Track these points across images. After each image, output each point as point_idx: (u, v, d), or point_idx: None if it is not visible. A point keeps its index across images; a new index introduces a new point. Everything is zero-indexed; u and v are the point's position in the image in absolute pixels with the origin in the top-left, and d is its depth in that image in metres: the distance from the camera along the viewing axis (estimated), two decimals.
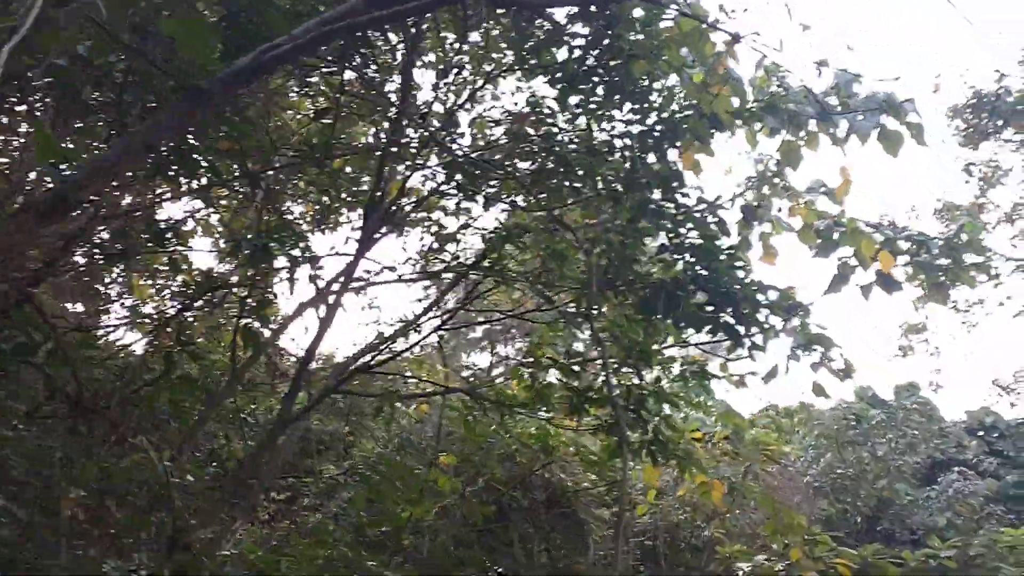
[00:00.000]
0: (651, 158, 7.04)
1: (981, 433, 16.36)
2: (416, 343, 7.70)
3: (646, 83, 6.88)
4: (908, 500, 12.02)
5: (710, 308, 6.71)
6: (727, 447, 12.42)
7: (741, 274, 6.81)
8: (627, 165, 6.98)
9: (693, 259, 6.66)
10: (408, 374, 9.00)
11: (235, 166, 6.17)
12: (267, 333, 10.53)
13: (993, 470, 14.72)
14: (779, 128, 8.77)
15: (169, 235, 6.56)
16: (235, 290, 8.67)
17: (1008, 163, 20.58)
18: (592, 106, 7.01)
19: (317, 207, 8.10)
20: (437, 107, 7.68)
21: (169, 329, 10.53)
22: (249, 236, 6.77)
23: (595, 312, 6.40)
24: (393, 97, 7.13)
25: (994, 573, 10.34)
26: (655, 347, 7.23)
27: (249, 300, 7.72)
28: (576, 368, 7.30)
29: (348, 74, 6.95)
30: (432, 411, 15.01)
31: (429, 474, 8.91)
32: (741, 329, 6.75)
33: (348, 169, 7.58)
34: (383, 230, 7.65)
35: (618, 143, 7.02)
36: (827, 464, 11.83)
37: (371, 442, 13.92)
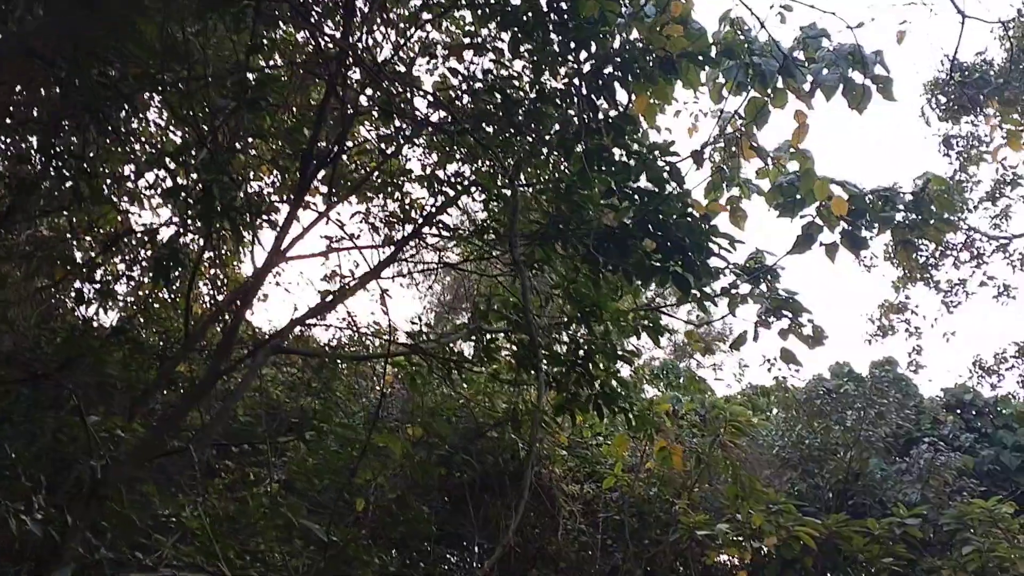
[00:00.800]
0: (603, 103, 6.77)
1: (959, 411, 16.18)
2: (355, 288, 7.36)
3: (596, 24, 6.59)
4: (880, 473, 11.79)
5: (659, 257, 6.43)
6: (695, 419, 12.20)
7: (692, 221, 6.51)
8: (576, 112, 6.71)
9: (642, 205, 6.37)
10: (347, 326, 8.64)
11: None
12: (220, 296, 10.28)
13: (969, 446, 14.54)
14: (745, 84, 8.51)
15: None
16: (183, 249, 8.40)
17: (990, 140, 20.43)
18: (545, 54, 6.74)
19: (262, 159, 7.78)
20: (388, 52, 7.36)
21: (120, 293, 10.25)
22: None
23: (522, 257, 6.07)
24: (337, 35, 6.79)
25: (962, 543, 10.14)
26: (617, 304, 7.01)
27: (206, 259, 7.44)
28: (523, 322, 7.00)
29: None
30: (398, 383, 14.77)
31: (378, 438, 8.63)
32: (691, 279, 6.46)
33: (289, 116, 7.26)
34: (325, 188, 7.36)
35: (569, 86, 6.74)
36: (796, 436, 11.61)
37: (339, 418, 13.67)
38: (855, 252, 9.02)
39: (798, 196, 8.64)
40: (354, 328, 8.60)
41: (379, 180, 7.33)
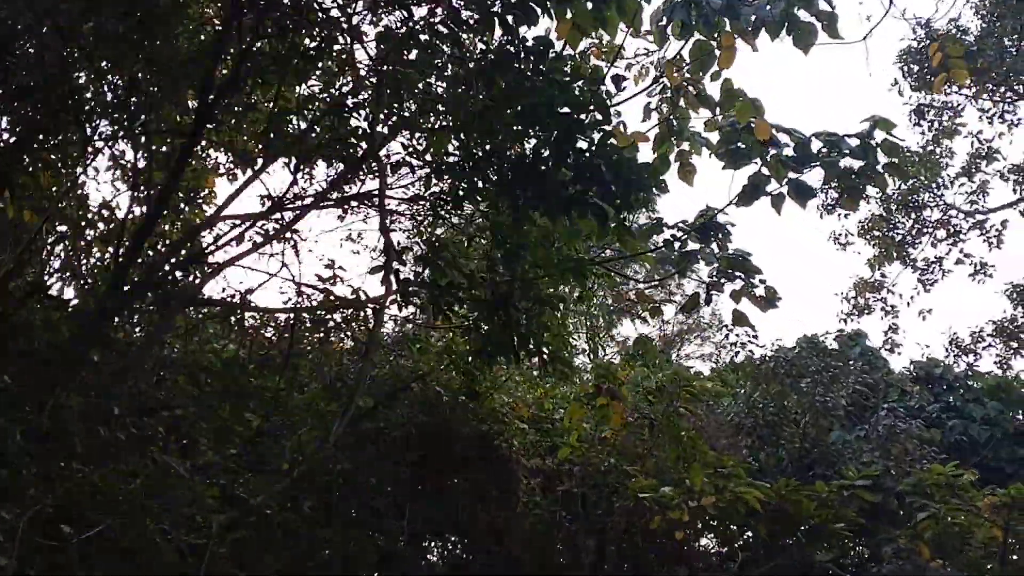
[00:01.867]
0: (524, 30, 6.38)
1: (928, 384, 15.90)
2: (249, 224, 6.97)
3: None
4: (841, 442, 11.45)
5: (577, 188, 6.06)
6: (650, 386, 11.85)
7: (612, 149, 6.13)
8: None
9: (558, 132, 5.99)
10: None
11: None
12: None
13: (936, 416, 14.25)
14: (690, 25, 8.13)
15: None
16: None
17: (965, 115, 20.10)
18: None
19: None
20: None
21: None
22: None
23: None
24: None
25: (919, 510, 9.82)
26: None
27: None
28: (440, 262, 6.63)
29: None
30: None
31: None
32: (609, 211, 6.08)
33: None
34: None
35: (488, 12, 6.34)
36: (751, 402, 11.26)
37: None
38: (801, 202, 8.66)
39: (740, 145, 8.33)
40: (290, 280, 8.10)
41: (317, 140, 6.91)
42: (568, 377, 8.88)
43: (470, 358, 6.75)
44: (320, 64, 6.50)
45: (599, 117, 6.14)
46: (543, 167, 5.98)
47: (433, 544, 13.63)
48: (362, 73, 6.64)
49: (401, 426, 13.60)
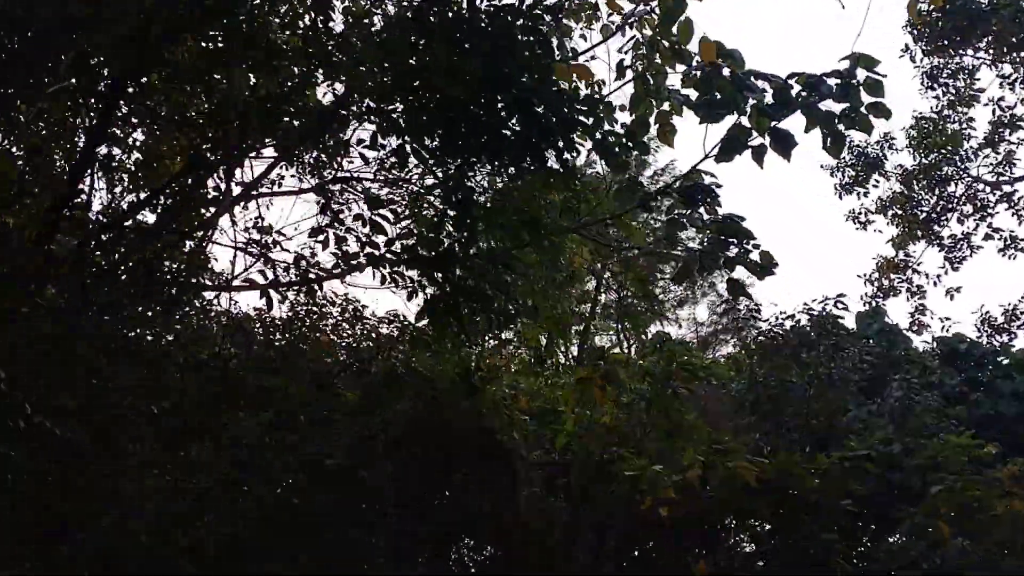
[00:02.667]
0: None
1: (954, 361, 15.12)
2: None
3: None
4: (853, 417, 10.77)
5: (515, 130, 5.60)
6: (647, 366, 11.32)
7: (550, 85, 5.66)
8: None
9: (492, 70, 5.54)
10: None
11: None
12: None
13: (959, 391, 13.49)
14: None
15: None
16: None
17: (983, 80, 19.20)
18: None
19: None
20: None
21: None
22: None
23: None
24: None
25: (934, 483, 9.15)
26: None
27: None
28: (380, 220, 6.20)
29: None
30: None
31: None
32: (550, 152, 5.62)
33: None
34: None
35: None
36: (751, 376, 10.64)
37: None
38: (784, 153, 8.12)
39: (717, 95, 7.83)
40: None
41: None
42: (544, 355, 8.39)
43: (418, 321, 6.29)
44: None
45: (539, 51, 5.67)
46: (481, 112, 5.53)
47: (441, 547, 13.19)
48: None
49: (400, 422, 13.28)
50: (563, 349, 11.14)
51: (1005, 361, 15.02)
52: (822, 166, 20.65)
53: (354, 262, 6.37)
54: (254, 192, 7.42)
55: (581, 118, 5.74)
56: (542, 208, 6.39)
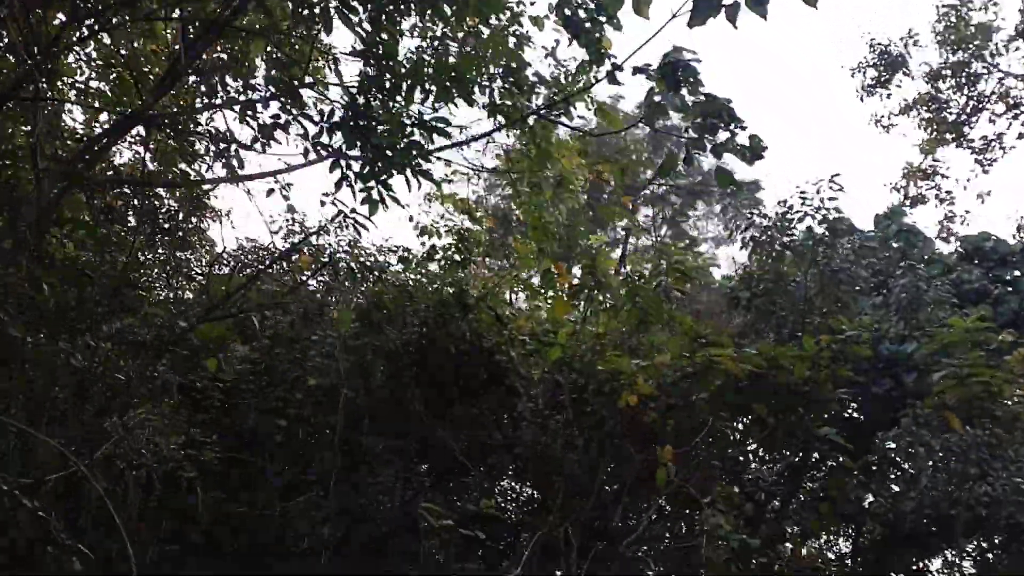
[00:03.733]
0: None
1: (977, 260, 14.27)
2: None
3: None
4: (857, 312, 10.12)
5: None
6: (642, 271, 10.81)
7: None
8: None
9: None
10: None
11: None
12: None
13: (980, 287, 12.70)
14: None
15: None
16: None
17: None
18: None
19: None
20: None
21: None
22: None
23: None
24: None
25: (932, 365, 8.57)
26: None
27: None
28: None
29: None
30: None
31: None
32: None
33: None
34: None
35: None
36: (745, 271, 10.03)
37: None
38: (760, 11, 7.50)
39: None
40: None
41: None
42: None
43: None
44: None
45: None
46: None
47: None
48: None
49: (401, 345, 13.04)
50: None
51: None
52: (842, 67, 19.72)
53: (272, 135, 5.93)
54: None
55: None
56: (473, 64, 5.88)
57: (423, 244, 12.72)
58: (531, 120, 8.14)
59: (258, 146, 6.13)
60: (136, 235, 9.21)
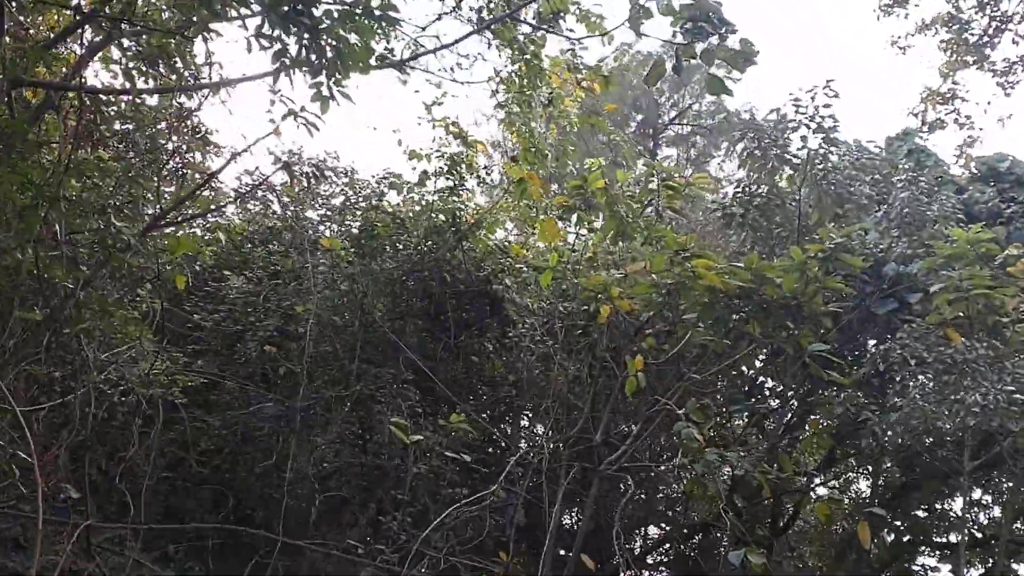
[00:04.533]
0: None
1: (992, 181, 13.71)
2: None
3: None
4: (857, 229, 9.70)
5: None
6: (632, 190, 10.49)
7: None
8: None
9: None
10: None
11: None
12: None
13: (993, 208, 12.20)
14: None
15: None
16: None
17: None
18: None
19: None
20: None
21: None
22: None
23: None
24: None
25: (929, 281, 8.24)
26: None
27: None
28: None
29: None
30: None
31: None
32: None
33: None
34: None
35: None
36: (738, 186, 9.63)
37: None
38: None
39: None
40: None
41: None
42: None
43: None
44: None
45: None
46: None
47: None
48: None
49: (395, 274, 12.90)
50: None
51: None
52: None
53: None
54: None
55: None
56: None
57: (414, 170, 12.46)
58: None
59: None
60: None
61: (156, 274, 7.97)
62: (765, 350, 8.72)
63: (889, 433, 7.66)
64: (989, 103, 19.08)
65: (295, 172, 8.12)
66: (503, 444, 11.29)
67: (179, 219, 7.05)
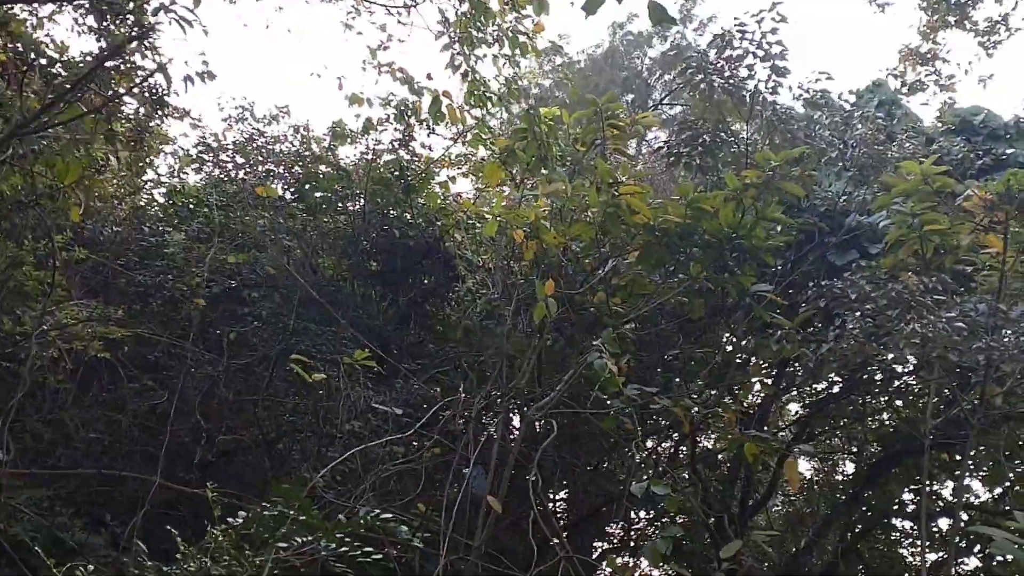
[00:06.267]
0: None
1: (966, 135, 13.17)
2: None
3: None
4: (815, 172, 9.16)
5: None
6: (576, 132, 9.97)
7: None
8: None
9: None
10: None
11: None
12: None
13: (963, 159, 11.69)
14: None
15: None
16: None
17: None
18: None
19: None
20: None
21: None
22: None
23: None
24: None
25: (879, 213, 7.74)
26: None
27: None
28: None
29: None
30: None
31: None
32: None
33: None
34: None
35: None
36: (686, 124, 9.06)
37: None
38: None
39: None
40: None
41: None
42: None
43: None
44: None
45: None
46: None
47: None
48: None
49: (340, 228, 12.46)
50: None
51: None
52: None
53: None
54: None
55: None
56: None
57: (357, 117, 11.96)
58: None
59: None
60: None
61: (39, 209, 7.49)
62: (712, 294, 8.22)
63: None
64: (971, 63, 18.51)
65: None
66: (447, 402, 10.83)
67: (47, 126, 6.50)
